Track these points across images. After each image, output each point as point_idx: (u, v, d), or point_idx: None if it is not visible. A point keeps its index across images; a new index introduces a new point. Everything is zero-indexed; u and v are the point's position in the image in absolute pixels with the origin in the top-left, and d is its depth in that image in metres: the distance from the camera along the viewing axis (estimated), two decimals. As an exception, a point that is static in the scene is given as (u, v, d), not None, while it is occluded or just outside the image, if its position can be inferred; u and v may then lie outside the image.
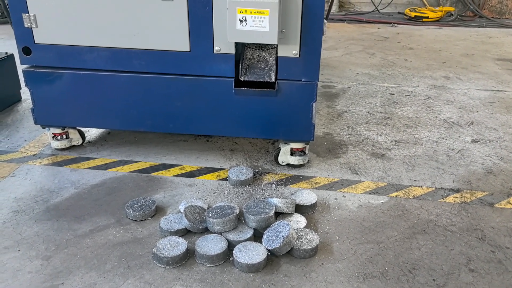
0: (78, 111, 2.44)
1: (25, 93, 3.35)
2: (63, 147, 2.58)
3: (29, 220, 2.00)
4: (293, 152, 2.41)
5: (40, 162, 2.47)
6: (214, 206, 1.98)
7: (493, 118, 3.13)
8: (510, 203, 2.18)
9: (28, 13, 2.22)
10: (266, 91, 2.23)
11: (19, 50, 2.32)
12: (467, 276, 1.72)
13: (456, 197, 2.22)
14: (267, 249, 1.76)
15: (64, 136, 2.57)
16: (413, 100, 3.43)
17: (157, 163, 2.48)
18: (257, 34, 1.99)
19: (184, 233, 1.91)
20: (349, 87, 3.70)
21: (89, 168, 2.42)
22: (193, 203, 2.04)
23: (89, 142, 2.69)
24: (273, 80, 2.20)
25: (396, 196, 2.22)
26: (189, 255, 1.78)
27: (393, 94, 3.57)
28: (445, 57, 4.62)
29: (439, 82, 3.84)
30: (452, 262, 1.79)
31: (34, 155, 2.55)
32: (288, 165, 2.44)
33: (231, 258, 1.77)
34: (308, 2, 2.03)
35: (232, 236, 1.83)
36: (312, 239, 1.82)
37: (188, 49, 2.20)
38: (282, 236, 1.76)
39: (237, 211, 1.90)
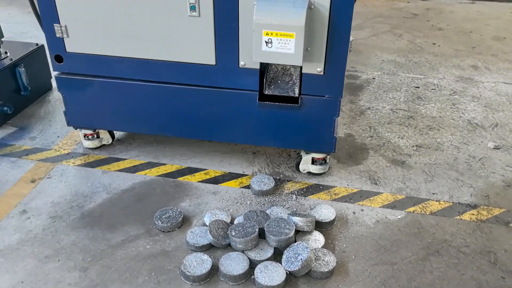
0: (107, 115, 2.53)
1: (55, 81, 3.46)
2: (94, 146, 2.71)
3: (66, 228, 2.16)
4: (314, 161, 2.48)
5: (73, 163, 2.61)
6: (236, 223, 2.10)
7: (518, 120, 3.10)
8: (526, 222, 2.23)
9: (60, 23, 2.27)
10: (289, 106, 2.27)
11: (51, 58, 2.40)
12: (475, 304, 1.82)
13: (473, 214, 2.27)
14: (286, 270, 1.88)
15: (95, 136, 2.69)
16: (438, 96, 3.41)
17: (183, 167, 2.58)
18: (282, 55, 2.01)
19: (209, 247, 2.04)
20: (374, 78, 3.67)
21: (119, 170, 2.55)
22: (217, 216, 2.15)
23: (118, 140, 2.80)
24: (297, 95, 2.24)
25: (413, 211, 2.28)
26: (213, 272, 1.92)
27: (418, 87, 3.54)
28: (475, 40, 4.48)
29: (467, 73, 3.77)
30: (463, 288, 1.88)
31: (67, 154, 2.68)
32: (309, 173, 2.52)
33: (252, 277, 1.90)
34: (335, 22, 2.03)
35: (253, 255, 1.95)
36: (329, 261, 1.93)
37: (214, 63, 2.24)
38: (301, 259, 1.87)
39: (257, 230, 2.01)
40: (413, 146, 2.80)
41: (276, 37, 1.97)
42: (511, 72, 3.81)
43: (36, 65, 3.23)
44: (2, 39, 3.06)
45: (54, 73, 2.47)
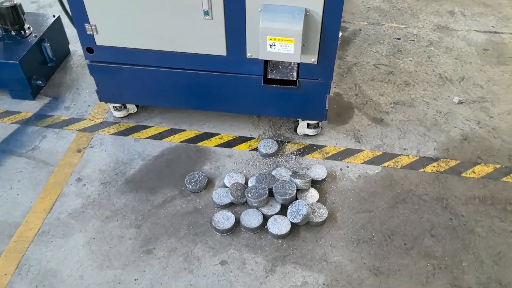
0: (133, 94, 2.99)
1: (72, 45, 3.81)
2: (123, 116, 3.19)
3: (116, 192, 2.75)
4: (309, 125, 3.02)
5: (108, 131, 3.12)
6: (250, 185, 2.70)
7: (482, 72, 3.60)
8: (474, 172, 2.86)
9: (90, 23, 2.63)
10: (289, 87, 2.75)
11: (84, 49, 2.79)
12: (428, 241, 2.50)
13: (434, 166, 2.89)
14: (291, 222, 2.53)
15: (123, 107, 3.16)
16: (416, 48, 3.84)
17: (201, 132, 3.11)
18: (284, 55, 2.45)
19: (230, 205, 2.66)
20: (360, 29, 4.06)
21: (148, 138, 3.07)
22: (234, 179, 2.75)
23: (142, 108, 3.28)
24: (295, 79, 2.71)
25: (387, 166, 2.89)
26: (236, 225, 2.56)
27: (399, 39, 3.95)
28: (456, -21, 4.77)
29: (444, 20, 4.16)
30: (420, 229, 2.56)
31: (101, 123, 3.18)
32: (305, 134, 3.07)
33: (265, 227, 2.55)
34: (326, 24, 2.44)
35: (265, 211, 2.58)
36: (322, 213, 2.57)
37: (225, 54, 2.66)
38: (302, 214, 2.51)
39: (267, 191, 2.61)
40: (391, 104, 3.33)
41: (279, 41, 2.39)
42: (484, 18, 4.21)
43: (56, 36, 3.57)
44: (24, 15, 3.37)
45: (86, 61, 2.87)
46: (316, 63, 2.61)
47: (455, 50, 3.82)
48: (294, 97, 2.82)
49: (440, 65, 3.68)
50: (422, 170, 2.87)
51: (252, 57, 2.65)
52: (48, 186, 2.77)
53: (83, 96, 3.40)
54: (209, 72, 2.78)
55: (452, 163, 2.92)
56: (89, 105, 3.32)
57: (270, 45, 2.42)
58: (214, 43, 2.62)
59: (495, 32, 4.03)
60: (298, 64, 2.66)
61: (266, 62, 2.70)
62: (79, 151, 2.99)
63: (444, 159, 2.94)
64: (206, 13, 2.48)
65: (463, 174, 2.84)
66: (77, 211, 2.65)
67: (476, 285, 2.31)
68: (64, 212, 2.63)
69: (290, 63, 2.69)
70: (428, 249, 2.46)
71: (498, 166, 2.89)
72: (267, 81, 2.75)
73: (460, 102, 3.34)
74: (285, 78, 2.72)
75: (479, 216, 2.62)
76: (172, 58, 2.74)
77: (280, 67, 2.72)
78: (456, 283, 2.32)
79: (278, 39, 2.39)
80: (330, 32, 2.48)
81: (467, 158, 2.94)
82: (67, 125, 3.16)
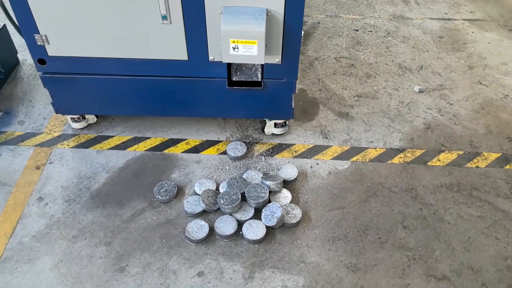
0: (92, 104, 2.86)
1: (21, 54, 3.61)
2: (82, 127, 3.05)
3: (81, 209, 2.63)
4: (276, 124, 2.99)
5: (67, 145, 2.97)
6: (222, 191, 2.65)
7: (439, 59, 3.69)
8: (439, 160, 2.92)
9: (39, 33, 2.48)
10: (254, 88, 2.70)
11: (35, 61, 2.63)
12: (401, 232, 2.54)
13: (401, 157, 2.94)
14: (266, 225, 2.50)
15: (82, 117, 3.02)
16: (374, 39, 3.88)
17: (166, 139, 3.02)
18: (247, 57, 2.39)
19: (203, 213, 2.60)
20: (319, 23, 4.06)
21: (111, 148, 2.95)
22: (205, 185, 2.69)
23: (102, 117, 3.15)
24: (260, 79, 2.67)
25: (356, 160, 2.91)
26: (210, 233, 2.51)
27: (358, 30, 3.98)
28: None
29: (399, 10, 4.23)
30: (392, 221, 2.59)
31: (59, 136, 3.02)
32: (273, 134, 3.04)
33: (240, 232, 2.51)
34: (288, 24, 2.40)
35: (239, 216, 2.54)
36: (296, 214, 2.56)
37: (187, 58, 2.58)
38: (276, 216, 2.49)
39: (240, 195, 2.57)
40: (354, 97, 3.35)
41: (242, 44, 2.34)
42: (436, 5, 4.30)
43: (3, 46, 3.36)
44: (-36, 26, 3.15)
45: (38, 73, 2.72)
46: (280, 62, 2.58)
47: (412, 39, 3.89)
48: (260, 98, 2.77)
49: (399, 55, 3.73)
50: (389, 162, 2.91)
51: (214, 60, 2.58)
52: (8, 208, 2.62)
53: (37, 108, 3.23)
54: (171, 78, 2.69)
55: (418, 152, 2.97)
56: (44, 118, 3.16)
57: (233, 48, 2.36)
58: (174, 47, 2.53)
59: (448, 19, 4.13)
60: (262, 64, 2.61)
61: (229, 64, 2.64)
62: (38, 168, 2.84)
63: (410, 149, 2.99)
64: (164, 17, 2.38)
65: (429, 163, 2.90)
66: (41, 233, 2.51)
67: (450, 273, 2.37)
68: (27, 235, 2.49)
69: (254, 64, 2.64)
70: (402, 241, 2.50)
71: (461, 152, 2.97)
72: (231, 83, 2.69)
73: (420, 91, 3.40)
74: (249, 80, 2.67)
75: (447, 203, 2.68)
76: (131, 65, 2.63)
77: (244, 68, 2.67)
78: (431, 273, 2.37)
79: (241, 42, 2.33)
80: (292, 31, 2.44)
81: (431, 147, 3.00)
82: (22, 141, 2.99)
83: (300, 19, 2.39)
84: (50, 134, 3.04)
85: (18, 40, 3.60)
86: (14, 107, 3.22)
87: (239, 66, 2.66)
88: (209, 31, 2.45)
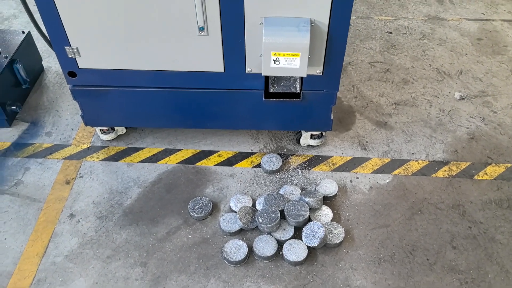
0: (122, 116, 2.76)
1: (45, 60, 3.52)
2: (111, 138, 2.96)
3: (115, 227, 2.53)
4: (312, 136, 2.86)
5: (97, 157, 2.88)
6: (259, 208, 2.53)
7: (479, 64, 3.51)
8: (486, 173, 2.77)
9: (71, 46, 2.38)
10: (292, 100, 2.57)
11: (65, 74, 2.53)
12: (450, 253, 2.41)
13: (445, 171, 2.79)
14: (307, 246, 2.38)
15: (111, 129, 2.92)
16: (409, 41, 3.72)
17: (198, 150, 2.91)
18: (289, 70, 2.27)
19: (240, 231, 2.49)
20: (350, 24, 3.89)
21: (141, 161, 2.85)
22: (240, 202, 2.57)
23: (131, 128, 3.05)
24: (299, 91, 2.54)
25: (398, 174, 2.77)
26: (249, 253, 2.40)
27: (391, 32, 3.82)
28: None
29: (433, 10, 4.04)
30: (440, 241, 2.46)
31: (88, 149, 2.93)
32: (309, 145, 2.92)
33: (280, 253, 2.40)
34: (333, 34, 2.26)
35: (279, 236, 2.42)
36: (339, 233, 2.43)
37: (223, 70, 2.46)
38: (319, 236, 2.37)
39: (279, 214, 2.45)
40: (392, 104, 3.20)
41: (283, 56, 2.21)
42: (473, 5, 4.11)
43: (28, 54, 3.27)
44: (-10, 35, 3.06)
45: (68, 86, 2.62)
46: (321, 74, 2.44)
47: (449, 42, 3.71)
48: (298, 109, 2.65)
49: (436, 58, 3.56)
50: (433, 175, 2.76)
51: (252, 71, 2.45)
52: (39, 226, 2.53)
53: (64, 118, 3.13)
54: (206, 90, 2.57)
55: (463, 165, 2.82)
56: (72, 129, 3.06)
57: (274, 61, 2.23)
58: (210, 59, 2.41)
59: (486, 20, 3.94)
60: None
61: (267, 76, 2.51)
62: (68, 182, 2.75)
63: (454, 162, 2.84)
64: (201, 29, 2.26)
65: (476, 177, 2.75)
66: (74, 252, 2.43)
67: (505, 298, 2.24)
68: (60, 255, 2.41)
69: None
70: (452, 263, 2.37)
71: (509, 165, 2.81)
72: (268, 95, 2.56)
73: (461, 98, 3.24)
74: (287, 91, 2.54)
75: (497, 221, 2.53)
76: (164, 78, 2.52)
77: (282, 79, 2.54)
78: (485, 298, 2.24)
79: (283, 54, 2.20)
80: (336, 42, 2.30)
81: (477, 159, 2.85)
82: (51, 154, 2.91)
83: (346, 29, 2.25)
84: (78, 146, 2.95)
85: (42, 46, 3.51)
86: (40, 118, 3.14)
87: (277, 77, 2.53)
88: (248, 43, 2.32)
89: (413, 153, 2.89)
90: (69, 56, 2.42)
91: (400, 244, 2.45)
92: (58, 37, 2.35)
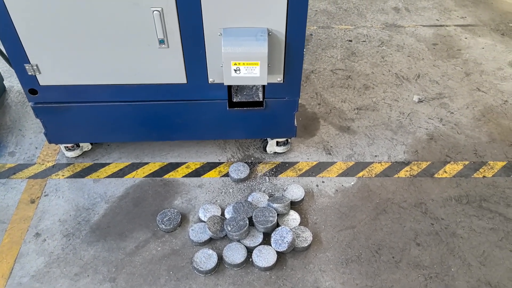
0: (86, 132, 2.75)
1: (7, 80, 3.48)
2: (76, 155, 2.93)
3: (82, 244, 2.51)
4: (278, 143, 2.91)
5: (62, 175, 2.85)
6: (228, 216, 2.55)
7: (435, 67, 3.66)
8: (445, 171, 2.88)
9: (30, 63, 2.37)
10: (255, 108, 2.62)
11: (26, 92, 2.51)
12: (415, 250, 2.48)
13: (407, 171, 2.88)
14: (276, 251, 2.41)
15: (76, 145, 2.90)
16: (368, 49, 3.84)
17: (165, 163, 2.92)
18: (250, 79, 2.32)
19: (209, 241, 2.50)
20: (311, 34, 4.00)
21: (108, 177, 2.84)
22: (209, 211, 2.59)
23: (96, 144, 3.03)
24: (261, 99, 2.59)
25: (362, 176, 2.85)
26: (219, 262, 2.41)
27: (351, 40, 3.94)
28: (395, -26, 4.84)
29: (390, 18, 4.20)
30: (405, 239, 2.53)
31: (53, 167, 2.90)
32: (275, 153, 2.96)
33: (250, 259, 2.42)
34: (290, 43, 2.33)
35: (248, 243, 2.44)
36: (307, 237, 2.48)
37: (186, 82, 2.49)
38: (287, 241, 2.40)
39: (247, 221, 2.48)
40: (354, 109, 3.30)
41: (244, 66, 2.26)
42: (427, 12, 4.28)
43: (-12, 74, 3.23)
44: None
45: (29, 103, 2.60)
46: (282, 81, 2.50)
47: (406, 48, 3.86)
48: (262, 118, 2.70)
49: (395, 64, 3.69)
50: (396, 176, 2.85)
51: (214, 82, 2.50)
52: (3, 247, 2.48)
53: (28, 137, 3.09)
54: (170, 102, 2.59)
55: (424, 164, 2.92)
56: (36, 147, 3.03)
57: (235, 70, 2.28)
58: (172, 71, 2.44)
59: (440, 25, 4.11)
60: (264, 85, 2.53)
61: (230, 85, 2.56)
62: (33, 201, 2.71)
63: (415, 162, 2.93)
64: (161, 41, 2.29)
65: (436, 175, 2.85)
66: (41, 272, 2.38)
67: (468, 290, 2.32)
68: (26, 275, 2.36)
69: (255, 84, 2.56)
70: (416, 259, 2.44)
71: (466, 162, 2.93)
72: (232, 104, 2.61)
73: (420, 101, 3.36)
74: (251, 100, 2.59)
75: (458, 217, 2.63)
76: (127, 91, 2.53)
77: (244, 89, 2.59)
78: (449, 291, 2.31)
79: (243, 63, 2.25)
80: (294, 50, 2.37)
81: (436, 158, 2.96)
82: (14, 173, 2.86)
83: (302, 37, 2.32)
84: (43, 164, 2.92)
85: (2, 66, 3.47)
86: (3, 137, 3.09)
87: (240, 87, 2.58)
88: (208, 54, 2.36)
89: (375, 156, 2.98)
90: (29, 73, 2.41)
91: (366, 244, 2.50)
92: (17, 55, 2.33)
